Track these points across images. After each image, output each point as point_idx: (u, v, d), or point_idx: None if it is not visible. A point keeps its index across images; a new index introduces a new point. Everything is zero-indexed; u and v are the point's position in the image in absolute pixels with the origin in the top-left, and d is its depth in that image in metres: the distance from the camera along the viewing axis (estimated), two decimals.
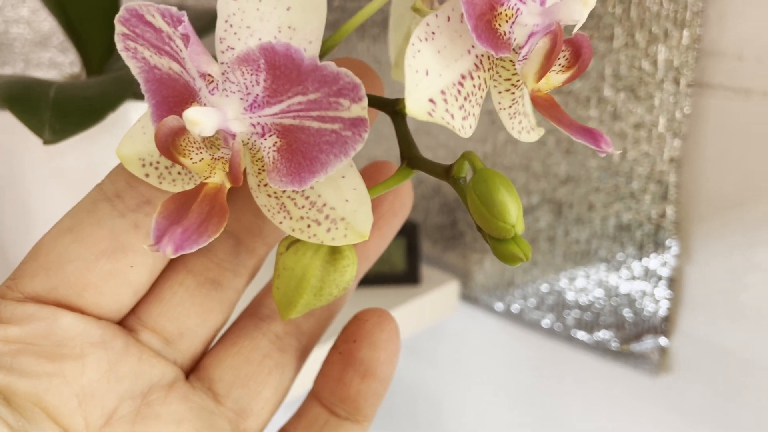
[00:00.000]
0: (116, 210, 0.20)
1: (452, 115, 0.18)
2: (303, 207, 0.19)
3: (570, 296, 0.42)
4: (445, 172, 0.20)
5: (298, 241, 0.20)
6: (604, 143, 0.18)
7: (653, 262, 0.38)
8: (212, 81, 0.18)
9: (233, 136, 0.18)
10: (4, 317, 0.20)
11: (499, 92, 0.20)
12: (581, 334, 0.43)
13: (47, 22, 0.66)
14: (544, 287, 0.43)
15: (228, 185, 0.18)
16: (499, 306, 0.47)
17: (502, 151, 0.42)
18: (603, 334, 0.41)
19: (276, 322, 0.24)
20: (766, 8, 0.31)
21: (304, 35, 0.18)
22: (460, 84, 0.19)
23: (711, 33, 0.33)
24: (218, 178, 0.18)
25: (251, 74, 0.18)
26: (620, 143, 0.37)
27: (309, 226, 0.19)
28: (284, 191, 0.19)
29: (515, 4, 0.18)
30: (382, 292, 0.47)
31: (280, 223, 0.20)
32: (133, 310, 0.22)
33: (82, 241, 0.20)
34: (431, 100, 0.18)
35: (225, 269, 0.22)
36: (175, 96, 0.19)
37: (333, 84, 0.17)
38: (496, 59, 0.19)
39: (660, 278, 0.38)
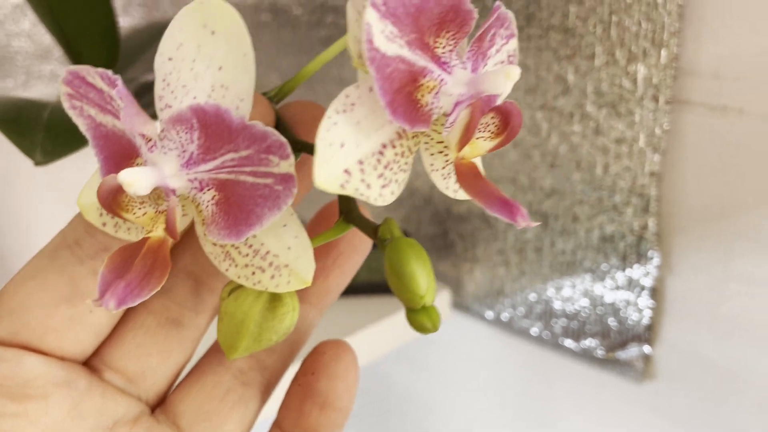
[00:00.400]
0: (75, 257, 0.21)
1: (368, 185, 0.18)
2: (247, 255, 0.20)
3: (557, 305, 0.43)
4: (374, 232, 0.20)
5: (239, 287, 0.21)
6: (520, 217, 0.18)
7: (636, 272, 0.39)
8: (150, 139, 0.18)
9: (173, 191, 0.18)
10: None
11: (431, 154, 0.20)
12: (568, 342, 0.44)
13: (48, 36, 0.68)
14: (533, 296, 0.44)
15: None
16: (489, 314, 0.48)
17: (489, 165, 0.43)
18: (589, 342, 0.42)
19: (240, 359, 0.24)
20: (739, 29, 0.32)
21: (236, 93, 0.18)
22: (380, 153, 0.18)
23: (688, 52, 0.34)
24: (161, 231, 0.19)
25: (186, 133, 0.18)
26: (603, 158, 0.38)
27: (254, 273, 0.20)
28: None
29: (438, 75, 0.18)
30: (374, 301, 0.48)
31: (226, 270, 0.20)
32: (97, 352, 0.23)
33: (43, 287, 0.21)
34: (346, 171, 0.18)
35: (185, 308, 0.23)
36: (121, 151, 0.19)
37: (262, 142, 0.17)
38: None
39: (643, 288, 0.39)
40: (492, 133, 0.19)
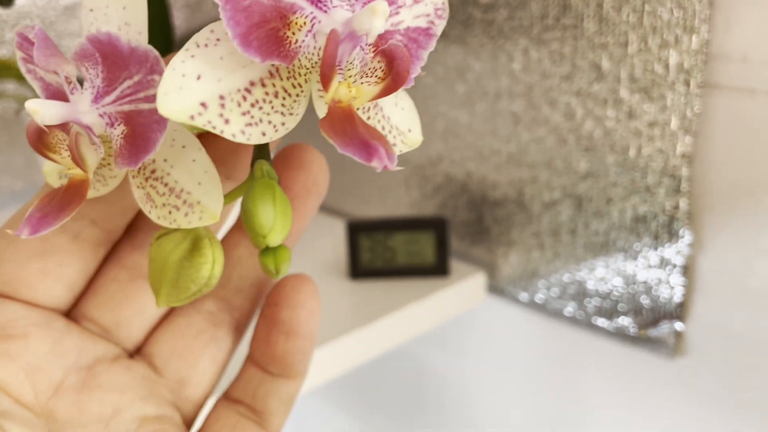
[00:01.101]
0: None
1: (226, 120, 0.18)
2: (164, 194, 0.20)
3: (590, 285, 0.45)
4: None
5: (165, 234, 0.21)
6: (377, 159, 0.17)
7: (668, 251, 0.41)
8: (71, 82, 0.19)
9: (88, 128, 0.19)
10: None
11: (320, 98, 0.19)
12: (601, 321, 0.45)
13: None
14: (566, 277, 0.46)
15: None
16: (524, 296, 0.50)
17: (525, 150, 0.45)
18: (622, 321, 0.44)
19: (209, 300, 0.25)
20: (767, 15, 0.34)
21: (136, 28, 0.19)
22: (247, 90, 0.18)
23: (718, 38, 0.36)
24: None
25: (93, 68, 0.19)
26: (636, 141, 0.40)
27: (170, 212, 0.20)
28: (147, 179, 0.20)
29: (311, 13, 0.18)
30: (413, 283, 0.50)
31: (149, 212, 0.20)
32: (74, 305, 0.24)
33: (14, 244, 0.22)
34: (203, 104, 0.17)
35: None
36: None
37: (146, 62, 0.18)
38: (301, 68, 0.19)
39: (674, 266, 0.41)
40: (378, 77, 0.19)
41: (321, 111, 0.19)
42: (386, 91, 0.19)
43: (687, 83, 0.37)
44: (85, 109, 0.19)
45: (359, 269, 0.51)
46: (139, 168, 0.20)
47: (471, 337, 0.56)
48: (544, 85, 0.43)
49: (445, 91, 0.49)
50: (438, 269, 0.50)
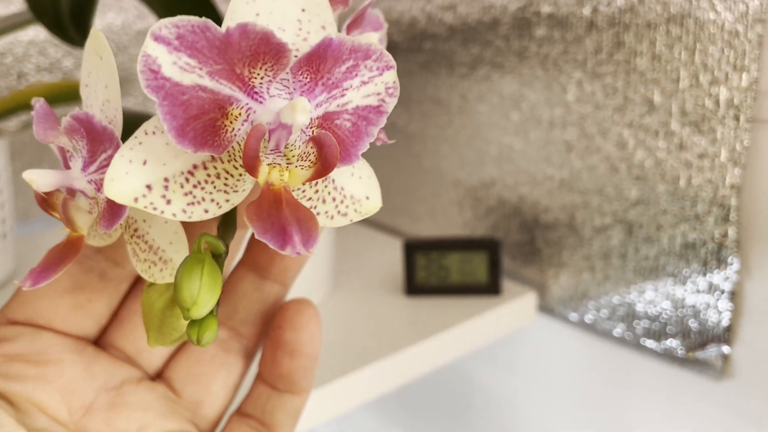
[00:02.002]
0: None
1: (168, 201, 0.19)
2: (145, 251, 0.22)
3: (640, 307, 0.47)
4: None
5: (152, 284, 0.23)
6: (290, 246, 0.18)
7: (716, 277, 0.42)
8: (68, 151, 0.22)
9: (81, 191, 0.21)
10: None
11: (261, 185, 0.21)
12: (650, 343, 0.47)
13: None
14: (616, 299, 0.48)
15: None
16: (574, 316, 0.51)
17: (578, 176, 0.47)
18: (670, 343, 0.46)
19: (220, 329, 0.27)
20: None
21: (113, 105, 0.21)
22: (190, 173, 0.19)
23: (766, 76, 0.38)
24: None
25: (80, 140, 0.21)
26: (686, 171, 0.42)
27: (149, 267, 0.22)
28: (132, 237, 0.22)
29: (246, 104, 0.19)
30: (465, 301, 0.52)
31: (136, 265, 0.22)
32: (101, 335, 0.27)
33: (50, 282, 0.24)
34: (148, 186, 0.19)
35: None
36: None
37: (113, 140, 0.20)
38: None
39: (722, 292, 0.42)
40: (311, 162, 0.20)
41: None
42: (317, 176, 0.19)
43: (736, 118, 0.39)
44: (77, 175, 0.21)
45: (414, 286, 0.53)
46: (125, 226, 0.22)
47: (520, 354, 0.58)
48: (597, 116, 0.45)
49: (500, 119, 0.52)
50: (490, 288, 0.52)
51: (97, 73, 0.21)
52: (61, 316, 0.25)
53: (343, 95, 0.20)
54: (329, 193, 0.22)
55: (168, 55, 0.18)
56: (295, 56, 0.19)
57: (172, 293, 0.22)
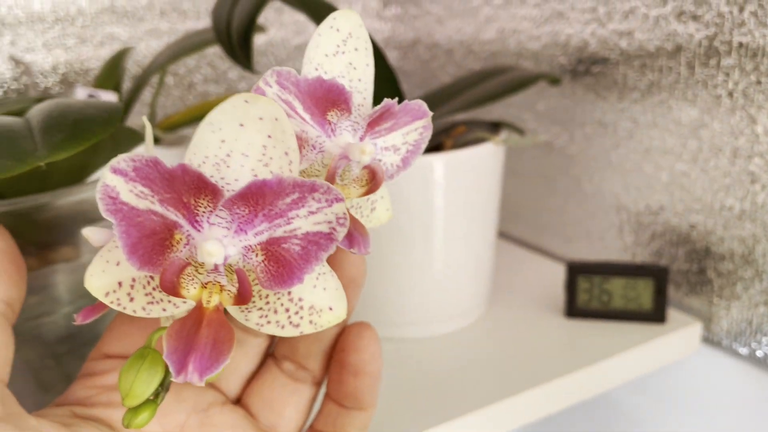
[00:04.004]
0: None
1: (131, 299, 0.22)
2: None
3: None
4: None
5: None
6: (183, 375, 0.20)
7: None
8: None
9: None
10: (97, 371, 0.28)
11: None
12: None
13: None
14: None
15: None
16: (744, 350, 0.50)
17: (762, 208, 0.46)
18: None
19: (287, 361, 0.30)
20: None
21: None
22: (151, 277, 0.22)
23: None
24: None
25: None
26: None
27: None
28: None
29: (187, 230, 0.21)
30: (627, 327, 0.52)
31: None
32: None
33: (131, 322, 0.28)
34: (119, 283, 0.22)
35: (242, 330, 0.30)
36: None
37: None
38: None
39: None
40: (234, 290, 0.22)
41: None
42: (237, 303, 0.22)
43: None
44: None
45: (575, 309, 0.53)
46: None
47: (675, 386, 0.57)
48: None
49: (675, 146, 0.51)
50: (654, 316, 0.52)
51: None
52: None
53: (289, 223, 0.21)
54: (282, 304, 0.23)
55: (125, 184, 0.20)
56: (229, 191, 0.21)
57: (150, 356, 0.23)
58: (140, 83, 0.55)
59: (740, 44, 0.46)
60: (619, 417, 0.62)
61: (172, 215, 0.21)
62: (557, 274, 0.61)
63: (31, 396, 0.39)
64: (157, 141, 0.55)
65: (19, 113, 0.54)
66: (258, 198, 0.21)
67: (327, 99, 0.23)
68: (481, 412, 0.43)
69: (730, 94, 0.47)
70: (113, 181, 0.20)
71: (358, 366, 0.29)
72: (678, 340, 0.51)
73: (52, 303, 0.38)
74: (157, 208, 0.21)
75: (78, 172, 0.38)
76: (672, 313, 0.53)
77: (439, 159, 0.46)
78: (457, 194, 0.48)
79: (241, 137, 0.21)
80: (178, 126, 0.58)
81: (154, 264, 0.21)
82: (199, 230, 0.21)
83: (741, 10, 0.45)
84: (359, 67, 0.25)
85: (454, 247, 0.50)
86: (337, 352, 0.30)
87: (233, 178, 0.21)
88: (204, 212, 0.21)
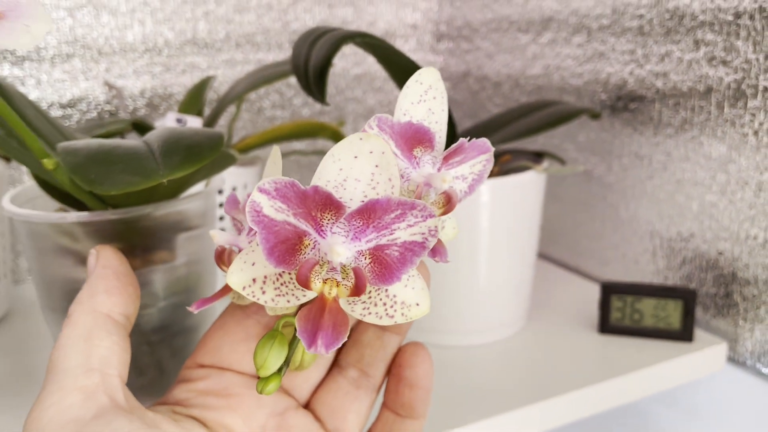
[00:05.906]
0: (245, 313, 0.32)
1: (263, 292, 0.26)
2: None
3: None
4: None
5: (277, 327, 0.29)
6: (313, 347, 0.24)
7: None
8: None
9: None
10: (192, 378, 0.32)
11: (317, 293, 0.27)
12: None
13: (363, 96, 0.84)
14: None
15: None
16: (766, 371, 0.54)
17: None
18: None
19: (352, 368, 0.34)
20: None
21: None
22: (280, 275, 0.26)
23: None
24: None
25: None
26: None
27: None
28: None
29: (314, 238, 0.25)
30: (657, 344, 0.56)
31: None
32: None
33: (228, 334, 0.32)
34: (254, 279, 0.26)
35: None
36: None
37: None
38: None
39: None
40: (352, 284, 0.26)
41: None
42: (353, 294, 0.26)
43: None
44: (242, 239, 0.31)
45: (608, 326, 0.57)
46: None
47: (703, 401, 0.60)
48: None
49: (705, 178, 0.55)
50: (683, 335, 0.55)
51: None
52: (238, 360, 0.32)
53: (392, 233, 0.25)
54: (381, 299, 0.27)
55: (268, 200, 0.24)
56: (349, 207, 0.25)
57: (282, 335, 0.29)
58: (219, 109, 0.62)
59: (765, 88, 0.50)
60: (648, 426, 0.65)
61: (303, 225, 0.25)
62: (592, 293, 0.65)
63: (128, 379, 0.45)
64: (233, 160, 0.61)
65: (115, 134, 0.61)
66: (371, 213, 0.25)
67: (415, 138, 0.28)
68: (516, 413, 0.47)
69: (756, 133, 0.51)
70: (259, 198, 0.24)
71: (413, 380, 0.33)
72: (704, 358, 0.55)
73: (150, 298, 0.43)
74: (291, 219, 0.25)
75: (177, 189, 0.44)
76: (699, 333, 0.57)
77: (486, 185, 0.51)
78: (502, 217, 0.53)
79: (355, 166, 0.26)
80: (251, 147, 0.65)
81: (287, 263, 0.25)
82: (323, 237, 0.25)
83: (766, 57, 0.49)
84: (437, 111, 0.29)
85: (498, 265, 0.55)
86: (395, 367, 0.34)
87: (348, 197, 0.26)
88: (328, 223, 0.25)
